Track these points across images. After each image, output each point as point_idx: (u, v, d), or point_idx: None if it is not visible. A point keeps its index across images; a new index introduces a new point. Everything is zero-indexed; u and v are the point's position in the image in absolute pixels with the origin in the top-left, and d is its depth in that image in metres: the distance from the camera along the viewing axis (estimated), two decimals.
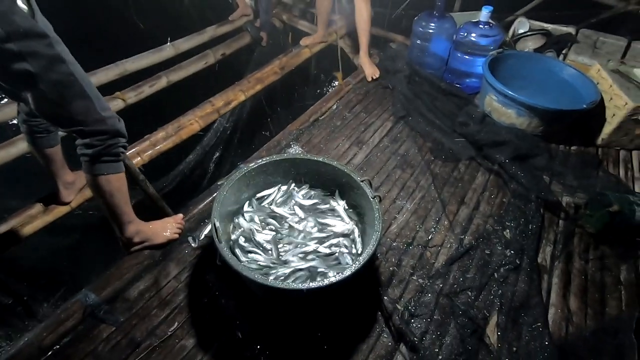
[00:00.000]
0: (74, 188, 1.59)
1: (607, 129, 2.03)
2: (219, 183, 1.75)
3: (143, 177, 1.60)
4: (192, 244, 1.48)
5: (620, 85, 1.98)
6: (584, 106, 1.89)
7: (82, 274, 1.73)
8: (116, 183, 1.20)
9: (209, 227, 1.48)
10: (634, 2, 2.90)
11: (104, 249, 1.69)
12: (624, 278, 1.48)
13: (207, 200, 1.66)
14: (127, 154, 1.84)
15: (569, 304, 1.39)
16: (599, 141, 2.08)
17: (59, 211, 1.59)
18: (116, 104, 2.09)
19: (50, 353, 1.17)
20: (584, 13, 2.94)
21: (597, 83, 2.06)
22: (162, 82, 2.34)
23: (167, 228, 1.46)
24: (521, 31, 2.49)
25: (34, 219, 1.55)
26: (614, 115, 1.98)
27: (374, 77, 2.52)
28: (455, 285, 1.40)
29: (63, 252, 1.96)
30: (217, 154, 2.70)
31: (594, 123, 2.09)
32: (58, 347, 1.18)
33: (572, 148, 2.07)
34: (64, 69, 0.99)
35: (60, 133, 1.43)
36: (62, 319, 1.23)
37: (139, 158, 1.84)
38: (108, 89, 2.16)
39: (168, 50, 2.55)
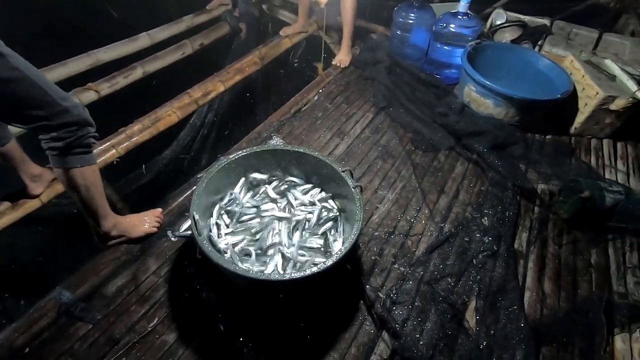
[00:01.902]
0: (42, 180, 1.52)
1: (580, 118, 2.09)
2: (198, 176, 1.72)
3: None
4: (172, 238, 1.45)
5: (592, 76, 2.04)
6: (558, 96, 1.94)
7: (56, 271, 1.67)
8: (90, 176, 1.16)
9: (189, 221, 1.45)
10: None
11: (78, 244, 1.63)
12: (595, 261, 1.55)
13: (187, 194, 1.63)
14: (103, 147, 1.79)
15: (544, 287, 1.44)
16: (572, 130, 2.15)
17: (29, 206, 1.52)
18: (89, 95, 2.01)
19: (22, 354, 1.13)
20: (558, 5, 3.01)
21: (571, 74, 2.12)
22: (137, 72, 2.26)
23: (145, 222, 1.43)
24: (498, 22, 2.53)
25: (2, 216, 1.48)
26: (586, 104, 2.05)
27: (340, 65, 2.52)
28: (435, 273, 1.43)
29: (34, 249, 1.88)
30: (196, 147, 2.64)
31: (567, 112, 2.15)
32: (31, 347, 1.14)
33: (547, 137, 2.13)
34: (5, 64, 0.92)
35: (15, 129, 1.35)
36: (35, 318, 1.19)
37: (114, 150, 1.78)
38: (80, 80, 2.08)
39: (143, 40, 2.46)
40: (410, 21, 2.35)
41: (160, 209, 1.52)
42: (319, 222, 1.37)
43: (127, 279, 1.33)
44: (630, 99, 1.91)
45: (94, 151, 1.16)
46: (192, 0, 2.90)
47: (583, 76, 2.07)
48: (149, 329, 1.20)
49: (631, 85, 1.99)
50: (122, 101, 2.19)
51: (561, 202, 1.71)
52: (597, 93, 1.96)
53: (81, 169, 1.13)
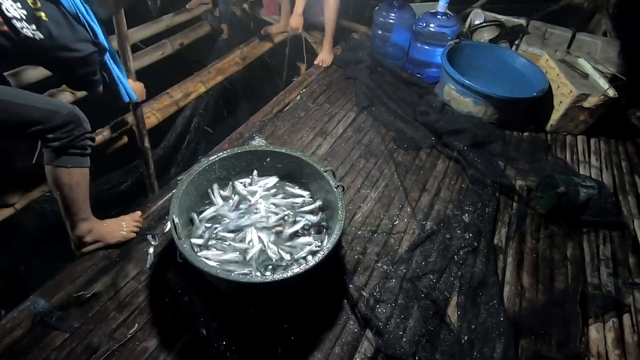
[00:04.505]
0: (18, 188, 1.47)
1: (555, 115, 2.16)
2: (178, 178, 1.69)
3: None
4: (152, 242, 1.43)
5: (566, 74, 2.10)
6: (534, 94, 2.00)
7: (30, 279, 1.62)
8: (78, 177, 1.14)
9: (169, 224, 1.43)
10: None
11: (53, 252, 1.59)
12: (570, 254, 1.60)
13: (167, 197, 1.60)
14: None
15: (522, 281, 1.48)
16: (548, 127, 2.21)
17: (1, 214, 1.47)
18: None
19: None
20: (534, 5, 3.09)
21: (546, 72, 2.18)
22: None
23: (123, 227, 1.39)
24: (477, 22, 2.58)
25: None
26: (560, 102, 2.11)
27: (322, 64, 2.53)
28: (418, 270, 1.45)
29: (6, 257, 1.82)
30: (177, 148, 2.59)
31: (543, 110, 2.21)
32: (4, 359, 1.10)
33: (524, 134, 2.19)
34: None
35: None
36: (8, 329, 1.14)
37: None
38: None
39: None
40: (391, 21, 2.37)
41: (139, 212, 1.49)
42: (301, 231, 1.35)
43: (106, 285, 1.29)
44: (602, 97, 1.98)
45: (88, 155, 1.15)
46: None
47: (558, 75, 2.13)
48: (129, 336, 1.18)
49: (603, 83, 2.06)
50: (99, 102, 2.13)
51: (538, 197, 1.76)
52: (571, 91, 2.02)
53: (70, 169, 1.11)
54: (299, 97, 2.29)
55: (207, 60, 2.75)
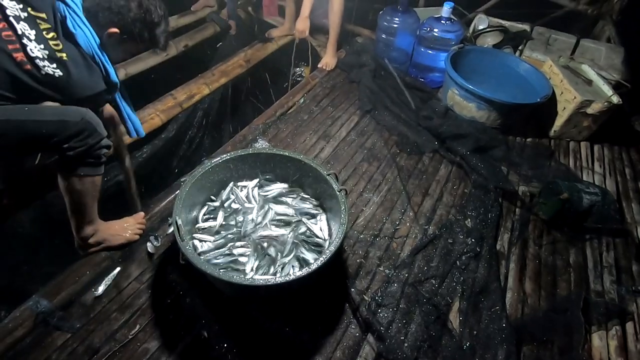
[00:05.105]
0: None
1: (559, 121, 2.15)
2: (181, 180, 1.69)
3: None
4: (155, 244, 1.43)
5: (570, 80, 2.10)
6: (538, 100, 2.00)
7: (32, 279, 1.62)
8: (89, 185, 1.14)
9: (172, 226, 1.43)
10: (584, 2, 3.08)
11: (57, 251, 1.59)
12: (573, 261, 1.59)
13: (170, 198, 1.60)
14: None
15: (525, 287, 1.47)
16: (552, 133, 2.21)
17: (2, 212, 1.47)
18: None
19: None
20: (538, 11, 3.10)
21: (550, 78, 2.18)
22: (120, 74, 2.20)
23: (126, 228, 1.39)
24: (481, 27, 2.58)
25: None
26: (564, 108, 2.11)
27: (326, 68, 2.53)
28: (420, 275, 1.44)
29: (9, 257, 1.82)
30: (180, 150, 2.60)
31: (547, 116, 2.21)
32: (5, 359, 1.10)
33: (528, 140, 2.18)
34: None
35: None
36: (10, 329, 1.14)
37: None
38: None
39: None
40: (395, 25, 2.38)
41: (142, 213, 1.49)
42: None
43: (108, 286, 1.29)
44: (605, 103, 1.98)
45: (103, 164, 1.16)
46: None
47: (561, 81, 2.13)
48: (130, 337, 1.18)
49: (606, 89, 2.06)
50: None
51: (541, 203, 1.76)
52: (575, 97, 2.02)
53: (83, 178, 1.12)
54: (302, 100, 2.30)
55: (211, 63, 2.77)
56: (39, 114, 1.01)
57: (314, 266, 1.09)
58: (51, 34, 0.99)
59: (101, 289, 1.26)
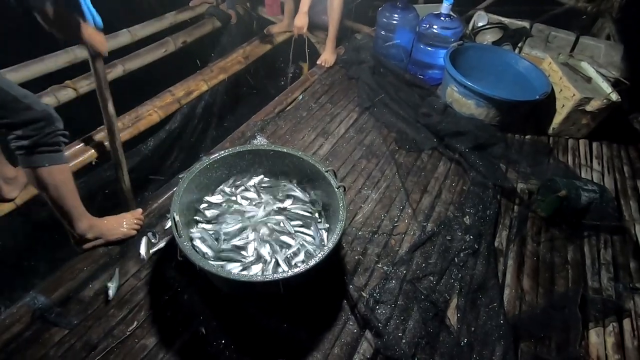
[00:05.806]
0: (17, 183, 1.47)
1: (557, 119, 2.15)
2: (179, 176, 1.68)
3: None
4: (152, 240, 1.42)
5: (569, 78, 2.10)
6: (537, 97, 1.99)
7: (30, 275, 1.62)
8: (59, 175, 1.13)
9: (170, 222, 1.43)
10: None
11: (54, 247, 1.58)
12: (571, 258, 1.59)
13: (168, 194, 1.60)
14: (80, 146, 1.74)
15: (522, 284, 1.48)
16: (550, 130, 2.20)
17: (1, 209, 1.47)
18: (66, 93, 1.96)
19: None
20: (538, 8, 3.09)
21: (549, 75, 2.18)
22: (118, 70, 2.21)
23: (124, 224, 1.39)
24: (480, 24, 2.57)
25: None
26: (563, 106, 2.11)
27: (325, 64, 2.52)
28: (418, 271, 1.44)
29: (6, 251, 1.82)
30: (178, 146, 2.59)
31: (546, 113, 2.21)
32: (3, 355, 1.10)
33: (526, 137, 2.18)
34: None
35: None
36: (7, 324, 1.14)
37: (93, 150, 1.73)
38: (58, 77, 2.01)
39: (124, 37, 2.41)
40: (394, 22, 2.37)
41: (140, 210, 1.49)
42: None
43: (106, 282, 1.29)
44: (604, 101, 1.98)
45: (65, 151, 1.13)
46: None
47: (560, 78, 2.13)
48: (128, 333, 1.18)
49: (605, 87, 2.06)
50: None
51: (539, 201, 1.76)
52: (574, 95, 2.02)
53: (49, 168, 1.10)
54: (301, 97, 2.29)
55: (210, 59, 2.75)
56: (11, 85, 1.00)
57: (312, 262, 1.09)
58: None
59: (111, 293, 1.25)
